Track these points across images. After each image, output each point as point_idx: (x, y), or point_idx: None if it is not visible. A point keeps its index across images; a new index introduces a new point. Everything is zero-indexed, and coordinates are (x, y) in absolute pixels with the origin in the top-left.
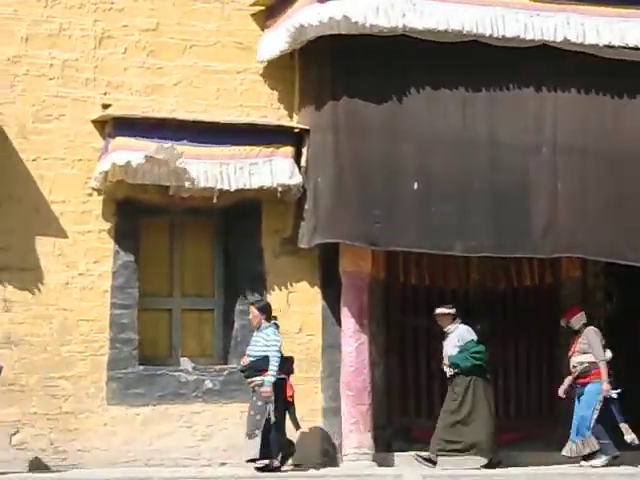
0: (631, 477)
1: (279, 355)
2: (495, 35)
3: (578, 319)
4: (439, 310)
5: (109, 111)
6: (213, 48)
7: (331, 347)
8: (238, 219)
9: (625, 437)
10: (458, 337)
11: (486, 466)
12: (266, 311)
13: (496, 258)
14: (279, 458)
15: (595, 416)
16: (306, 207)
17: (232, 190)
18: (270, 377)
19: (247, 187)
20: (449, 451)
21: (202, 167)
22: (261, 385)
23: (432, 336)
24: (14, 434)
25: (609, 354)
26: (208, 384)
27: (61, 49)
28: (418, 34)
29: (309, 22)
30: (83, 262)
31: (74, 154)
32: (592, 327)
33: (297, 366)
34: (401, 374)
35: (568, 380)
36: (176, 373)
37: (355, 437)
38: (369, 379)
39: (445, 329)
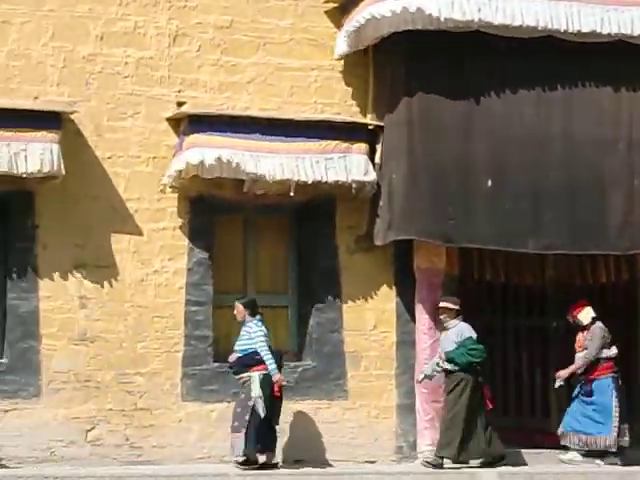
0: None
1: (266, 345)
2: (570, 30)
3: (585, 314)
4: (444, 304)
5: (183, 109)
6: (287, 45)
7: (405, 344)
8: (312, 216)
9: None
10: (457, 333)
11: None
12: (250, 307)
13: (571, 255)
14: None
15: (616, 403)
16: (380, 204)
17: (309, 182)
18: (271, 367)
19: (323, 180)
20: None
21: (277, 160)
22: (248, 381)
23: (506, 333)
24: (90, 430)
25: (614, 350)
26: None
27: (136, 47)
28: (492, 30)
29: (382, 14)
30: (158, 259)
31: (149, 152)
32: (599, 323)
33: (371, 363)
34: None
35: (570, 370)
36: None
37: (430, 434)
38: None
39: (446, 324)
